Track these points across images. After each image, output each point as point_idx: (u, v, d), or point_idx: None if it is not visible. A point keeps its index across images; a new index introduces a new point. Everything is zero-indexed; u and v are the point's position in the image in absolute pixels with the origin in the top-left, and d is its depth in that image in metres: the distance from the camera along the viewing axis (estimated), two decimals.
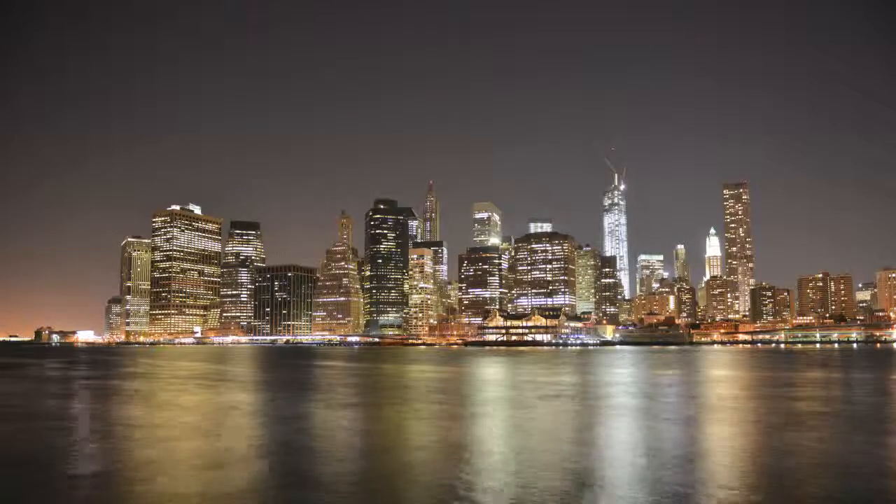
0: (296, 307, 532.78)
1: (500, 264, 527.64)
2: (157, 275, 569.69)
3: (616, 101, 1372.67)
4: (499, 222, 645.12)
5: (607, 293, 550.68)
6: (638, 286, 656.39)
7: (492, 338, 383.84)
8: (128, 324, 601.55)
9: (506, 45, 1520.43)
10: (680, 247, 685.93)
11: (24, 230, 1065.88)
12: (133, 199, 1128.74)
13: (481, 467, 23.15)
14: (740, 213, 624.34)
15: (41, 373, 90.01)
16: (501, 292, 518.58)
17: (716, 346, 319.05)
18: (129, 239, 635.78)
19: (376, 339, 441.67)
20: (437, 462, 24.71)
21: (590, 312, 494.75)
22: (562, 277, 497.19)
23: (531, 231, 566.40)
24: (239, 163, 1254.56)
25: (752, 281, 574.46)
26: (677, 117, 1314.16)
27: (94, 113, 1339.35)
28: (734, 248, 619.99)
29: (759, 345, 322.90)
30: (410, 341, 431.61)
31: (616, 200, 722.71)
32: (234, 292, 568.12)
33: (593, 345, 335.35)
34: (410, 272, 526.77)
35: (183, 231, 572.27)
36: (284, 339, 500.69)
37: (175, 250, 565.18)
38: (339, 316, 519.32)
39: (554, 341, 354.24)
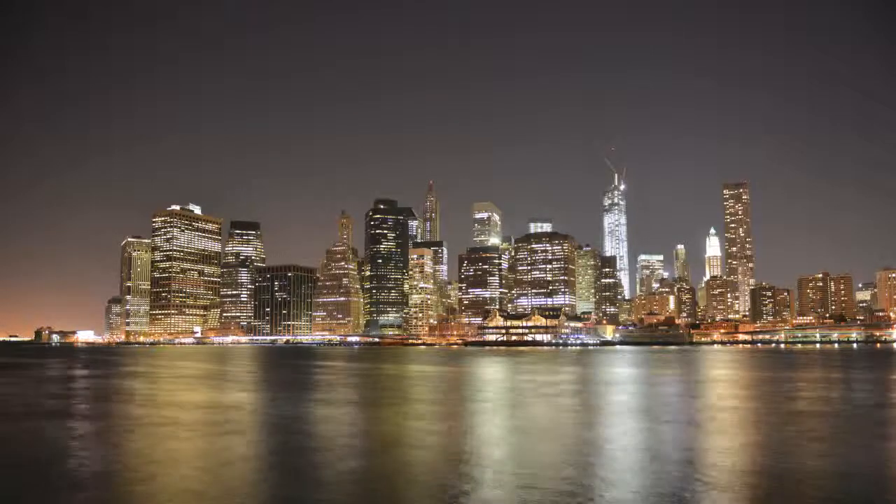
0: (296, 307, 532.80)
1: (500, 264, 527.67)
2: (157, 275, 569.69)
3: (616, 101, 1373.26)
4: (499, 222, 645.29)
5: (607, 293, 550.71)
6: (638, 286, 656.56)
7: (492, 338, 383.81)
8: (128, 324, 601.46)
9: (506, 45, 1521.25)
10: (680, 247, 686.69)
11: (24, 230, 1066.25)
12: (133, 199, 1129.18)
13: (481, 467, 23.15)
14: (740, 213, 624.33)
15: (44, 373, 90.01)
16: (501, 292, 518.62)
17: (716, 346, 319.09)
18: (129, 239, 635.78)
19: (376, 339, 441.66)
20: (436, 462, 24.72)
21: (590, 312, 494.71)
22: (562, 277, 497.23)
23: (531, 231, 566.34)
24: (239, 163, 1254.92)
25: (752, 281, 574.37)
26: (677, 117, 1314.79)
27: (94, 113, 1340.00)
28: (734, 248, 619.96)
29: (759, 345, 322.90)
30: (410, 341, 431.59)
31: (616, 200, 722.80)
32: (234, 292, 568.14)
33: (593, 345, 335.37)
34: (410, 272, 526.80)
35: (183, 231, 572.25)
36: (284, 339, 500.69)
37: (175, 250, 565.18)
38: (339, 316, 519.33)
39: (554, 341, 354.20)
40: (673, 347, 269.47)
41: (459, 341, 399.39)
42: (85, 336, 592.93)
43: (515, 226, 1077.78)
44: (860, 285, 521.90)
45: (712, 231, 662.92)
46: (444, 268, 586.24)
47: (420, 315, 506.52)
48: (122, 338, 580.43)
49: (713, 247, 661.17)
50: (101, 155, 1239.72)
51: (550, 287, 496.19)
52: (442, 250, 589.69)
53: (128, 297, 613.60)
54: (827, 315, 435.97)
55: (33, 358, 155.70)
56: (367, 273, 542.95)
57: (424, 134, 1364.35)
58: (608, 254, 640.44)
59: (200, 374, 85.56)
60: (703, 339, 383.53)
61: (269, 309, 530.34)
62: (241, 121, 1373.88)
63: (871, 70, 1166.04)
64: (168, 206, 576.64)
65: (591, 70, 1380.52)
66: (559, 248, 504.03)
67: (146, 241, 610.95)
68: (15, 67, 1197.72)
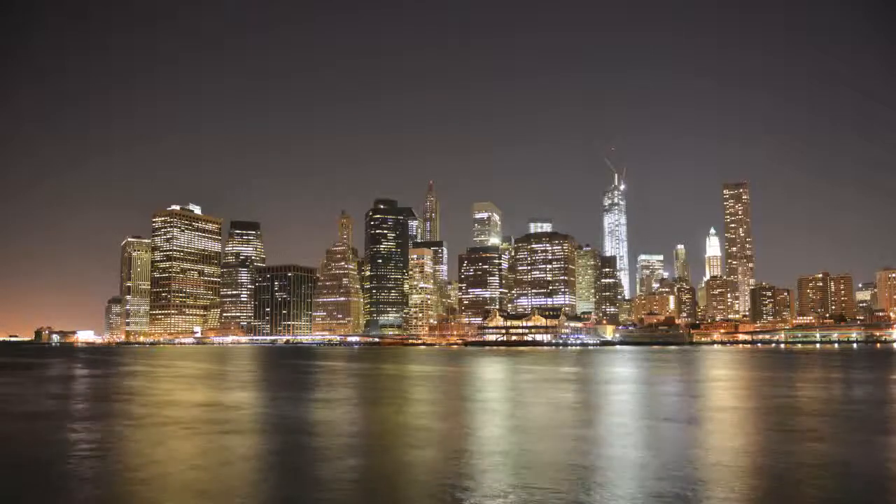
0: (296, 307, 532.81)
1: (500, 264, 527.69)
2: (157, 275, 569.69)
3: (616, 101, 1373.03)
4: (499, 222, 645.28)
5: (607, 293, 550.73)
6: (638, 286, 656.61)
7: (492, 338, 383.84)
8: (128, 324, 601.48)
9: (506, 45, 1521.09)
10: (680, 247, 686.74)
11: (24, 230, 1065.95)
12: (133, 199, 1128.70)
13: (481, 467, 23.16)
14: (740, 213, 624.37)
15: (44, 373, 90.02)
16: (501, 292, 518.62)
17: (716, 346, 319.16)
18: (129, 239, 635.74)
19: (376, 339, 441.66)
20: (436, 461, 24.73)
21: (590, 312, 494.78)
22: (562, 277, 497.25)
23: (531, 231, 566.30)
24: (239, 163, 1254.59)
25: (752, 281, 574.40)
26: (677, 117, 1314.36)
27: (94, 113, 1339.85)
28: (734, 248, 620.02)
29: (759, 345, 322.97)
30: (410, 341, 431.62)
31: (616, 200, 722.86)
32: (234, 292, 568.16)
33: (593, 345, 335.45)
34: (410, 272, 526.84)
35: (183, 231, 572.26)
36: (284, 339, 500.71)
37: (175, 250, 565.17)
38: (339, 316, 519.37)
39: (554, 341, 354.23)
40: (673, 347, 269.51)
41: (459, 341, 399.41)
42: (85, 336, 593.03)
43: (515, 226, 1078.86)
44: (860, 285, 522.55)
45: (712, 231, 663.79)
46: (444, 268, 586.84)
47: (420, 315, 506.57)
48: (122, 338, 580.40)
49: (713, 247, 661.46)
50: (101, 155, 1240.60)
51: (550, 287, 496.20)
52: (442, 250, 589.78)
53: (128, 297, 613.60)
54: (827, 315, 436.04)
55: (33, 358, 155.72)
56: (367, 273, 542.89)
57: (424, 134, 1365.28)
58: (608, 254, 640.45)
59: (200, 374, 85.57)
60: (703, 339, 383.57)
61: (269, 309, 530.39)
62: (241, 121, 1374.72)
63: (871, 70, 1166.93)
64: (168, 206, 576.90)
65: (591, 70, 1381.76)
66: (559, 248, 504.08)
67: (146, 241, 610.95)
68: (15, 67, 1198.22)
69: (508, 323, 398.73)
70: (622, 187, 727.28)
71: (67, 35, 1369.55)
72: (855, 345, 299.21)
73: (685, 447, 27.47)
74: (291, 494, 19.60)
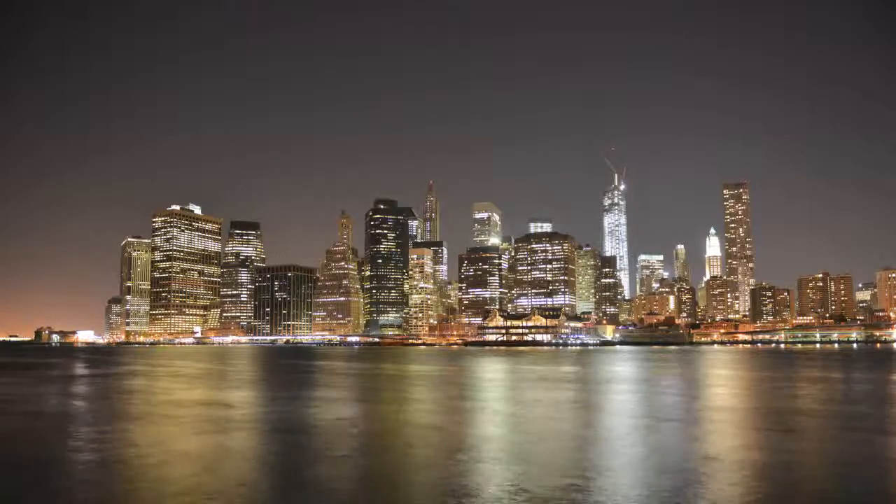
0: (296, 307, 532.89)
1: (500, 264, 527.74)
2: (157, 275, 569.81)
3: (616, 101, 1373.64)
4: (499, 222, 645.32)
5: (607, 293, 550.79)
6: (638, 286, 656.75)
7: (492, 338, 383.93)
8: (128, 324, 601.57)
9: (506, 45, 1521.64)
10: (680, 247, 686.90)
11: (24, 230, 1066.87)
12: (133, 199, 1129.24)
13: (480, 467, 23.16)
14: (740, 213, 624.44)
15: (45, 372, 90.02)
16: (501, 292, 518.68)
17: (716, 346, 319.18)
18: (129, 239, 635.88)
19: (376, 339, 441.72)
20: (436, 461, 24.74)
21: (590, 312, 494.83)
22: (562, 277, 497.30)
23: (531, 231, 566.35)
24: (239, 163, 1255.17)
25: (752, 281, 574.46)
26: (677, 117, 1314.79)
27: (94, 113, 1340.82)
28: (734, 248, 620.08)
29: (759, 345, 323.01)
30: (410, 341, 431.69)
31: (616, 200, 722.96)
32: (234, 292, 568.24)
33: (593, 345, 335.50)
34: (410, 272, 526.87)
35: (183, 231, 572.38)
36: (284, 339, 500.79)
37: (175, 250, 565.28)
38: (339, 316, 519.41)
39: (554, 341, 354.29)
40: (673, 347, 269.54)
41: (459, 341, 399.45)
42: (85, 336, 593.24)
43: (515, 226, 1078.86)
44: (860, 285, 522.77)
45: (712, 231, 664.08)
46: (444, 268, 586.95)
47: (420, 315, 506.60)
48: (122, 338, 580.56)
49: (713, 247, 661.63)
50: (101, 155, 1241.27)
51: (550, 287, 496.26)
52: (442, 250, 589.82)
53: (128, 297, 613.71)
54: (827, 315, 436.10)
55: (34, 358, 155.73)
56: (367, 273, 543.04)
57: (424, 134, 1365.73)
58: (608, 254, 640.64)
59: (200, 374, 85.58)
60: (703, 339, 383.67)
61: (269, 309, 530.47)
62: (241, 121, 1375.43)
63: (871, 70, 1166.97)
64: (168, 206, 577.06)
65: (591, 70, 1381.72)
66: (559, 248, 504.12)
67: (146, 241, 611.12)
68: (15, 67, 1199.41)
69: (508, 323, 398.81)
70: (622, 187, 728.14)
71: (67, 35, 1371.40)
72: (855, 345, 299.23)
73: (685, 446, 27.47)
74: (291, 494, 19.60)
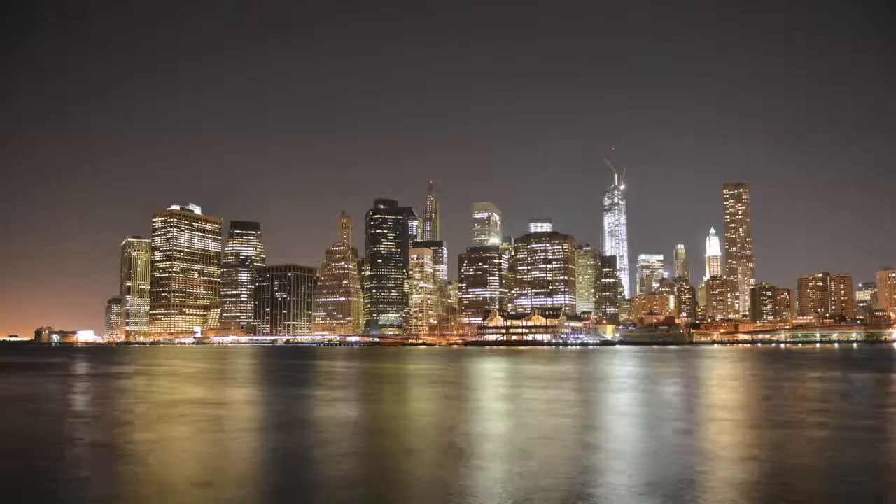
0: (296, 307, 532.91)
1: (500, 264, 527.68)
2: (157, 275, 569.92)
3: (616, 101, 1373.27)
4: (499, 222, 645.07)
5: (607, 293, 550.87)
6: (638, 286, 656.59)
7: (492, 338, 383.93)
8: (128, 324, 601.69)
9: (506, 45, 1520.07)
10: (680, 247, 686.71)
11: (24, 230, 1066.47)
12: (133, 199, 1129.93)
13: (481, 467, 23.19)
14: (740, 213, 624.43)
15: (47, 372, 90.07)
16: (501, 292, 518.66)
17: (716, 346, 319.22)
18: (129, 239, 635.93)
19: (376, 339, 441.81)
20: (435, 461, 24.77)
21: (590, 312, 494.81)
22: (562, 277, 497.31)
23: (531, 231, 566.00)
24: (239, 163, 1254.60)
25: (752, 281, 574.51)
26: (677, 117, 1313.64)
27: (94, 113, 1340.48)
28: (734, 248, 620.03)
29: (759, 345, 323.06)
30: (410, 341, 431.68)
31: (616, 200, 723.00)
32: (234, 292, 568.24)
33: (593, 344, 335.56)
34: (410, 272, 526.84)
35: (183, 231, 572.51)
36: (284, 339, 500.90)
37: (175, 250, 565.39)
38: (339, 316, 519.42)
39: (554, 341, 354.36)
40: (673, 347, 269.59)
41: (459, 341, 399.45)
42: (85, 336, 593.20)
43: (515, 226, 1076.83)
44: (860, 285, 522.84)
45: (712, 231, 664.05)
46: (444, 268, 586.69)
47: (420, 315, 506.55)
48: (122, 338, 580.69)
49: (713, 247, 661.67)
50: (101, 155, 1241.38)
51: (550, 287, 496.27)
52: (442, 250, 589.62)
53: (128, 297, 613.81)
54: (827, 315, 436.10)
55: (34, 358, 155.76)
56: (367, 273, 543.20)
57: (424, 134, 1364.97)
58: (608, 254, 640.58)
59: (201, 374, 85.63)
60: (703, 339, 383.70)
61: (269, 309, 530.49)
62: (241, 121, 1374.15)
63: (871, 70, 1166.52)
64: (168, 206, 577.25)
65: (591, 70, 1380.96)
66: (559, 248, 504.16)
67: (146, 241, 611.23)
68: (15, 67, 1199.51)
69: (508, 323, 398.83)
70: (622, 187, 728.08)
71: (67, 35, 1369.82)
72: (855, 345, 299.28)
73: (685, 444, 27.49)
74: (291, 494, 19.63)
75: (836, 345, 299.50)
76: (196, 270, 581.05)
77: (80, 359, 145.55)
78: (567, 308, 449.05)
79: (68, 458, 24.75)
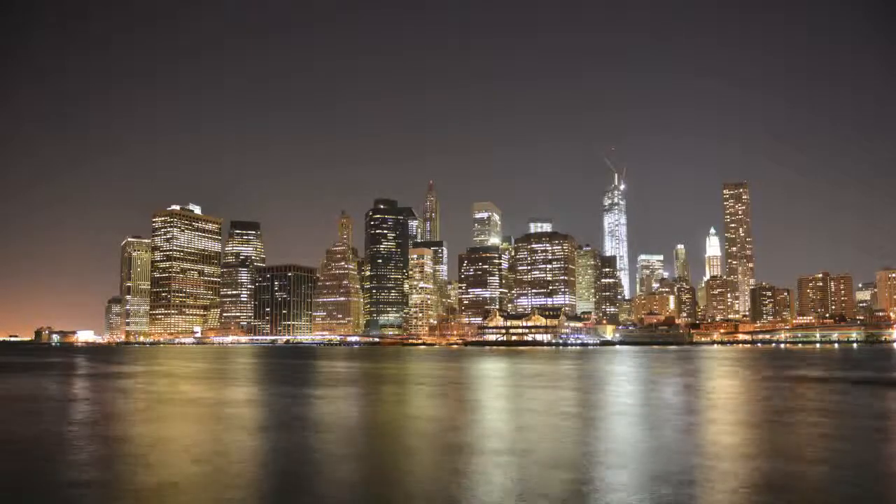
0: (296, 307, 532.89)
1: (500, 264, 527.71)
2: (157, 275, 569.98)
3: (616, 101, 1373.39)
4: (499, 222, 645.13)
5: (607, 293, 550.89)
6: (638, 286, 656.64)
7: (492, 338, 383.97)
8: (128, 324, 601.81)
9: (506, 45, 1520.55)
10: (680, 247, 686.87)
11: (24, 230, 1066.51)
12: (133, 199, 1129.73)
13: (480, 466, 23.20)
14: (740, 213, 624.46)
15: (48, 372, 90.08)
16: (501, 292, 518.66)
17: (716, 346, 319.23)
18: (129, 239, 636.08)
19: (376, 339, 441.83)
20: (435, 460, 24.78)
21: (590, 312, 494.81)
22: (562, 277, 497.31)
23: (531, 231, 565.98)
24: (239, 163, 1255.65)
25: (752, 281, 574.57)
26: (677, 117, 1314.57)
27: (94, 113, 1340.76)
28: (734, 248, 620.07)
29: (759, 345, 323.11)
30: (410, 341, 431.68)
31: (616, 200, 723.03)
32: (234, 292, 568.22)
33: (593, 345, 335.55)
34: (410, 272, 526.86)
35: (183, 231, 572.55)
36: (284, 339, 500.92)
37: (175, 250, 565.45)
38: (339, 316, 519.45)
39: (554, 341, 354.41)
40: (673, 347, 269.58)
41: (459, 341, 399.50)
42: (85, 336, 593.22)
43: (515, 226, 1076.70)
44: (860, 285, 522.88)
45: (712, 231, 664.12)
46: (444, 268, 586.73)
47: (420, 315, 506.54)
48: (122, 338, 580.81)
49: (713, 247, 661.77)
50: (101, 155, 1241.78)
51: (550, 287, 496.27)
52: (442, 250, 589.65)
53: (128, 297, 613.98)
54: (827, 315, 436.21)
55: (35, 358, 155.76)
56: (367, 273, 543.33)
57: (424, 134, 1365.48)
58: (608, 254, 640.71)
59: (202, 373, 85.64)
60: (703, 339, 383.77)
61: (269, 309, 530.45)
62: (241, 121, 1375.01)
63: (871, 70, 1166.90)
64: (168, 206, 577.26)
65: (591, 70, 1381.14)
66: (559, 248, 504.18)
67: (146, 241, 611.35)
68: (15, 67, 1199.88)
69: (508, 323, 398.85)
70: (622, 187, 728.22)
71: (67, 35, 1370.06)
72: (855, 345, 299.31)
73: (685, 444, 27.50)
74: (291, 493, 19.64)
75: (836, 345, 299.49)
76: (196, 270, 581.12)
77: (80, 359, 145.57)
78: (567, 308, 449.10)
79: (68, 459, 24.74)
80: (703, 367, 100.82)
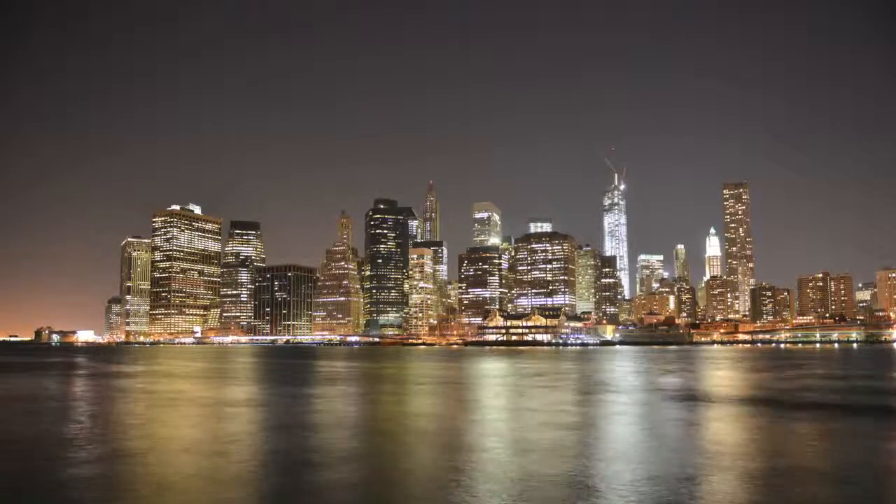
0: (296, 307, 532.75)
1: (500, 264, 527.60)
2: (157, 275, 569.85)
3: (616, 101, 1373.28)
4: (499, 222, 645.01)
5: (607, 293, 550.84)
6: (638, 286, 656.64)
7: (492, 338, 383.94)
8: (128, 324, 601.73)
9: (506, 45, 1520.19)
10: (680, 247, 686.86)
11: (24, 230, 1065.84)
12: (133, 199, 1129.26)
13: (481, 467, 23.21)
14: (740, 213, 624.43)
15: (50, 372, 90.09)
16: (501, 292, 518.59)
17: (716, 346, 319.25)
18: (129, 239, 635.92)
19: (376, 339, 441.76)
20: (434, 460, 24.79)
21: (590, 312, 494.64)
22: (562, 277, 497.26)
23: (531, 231, 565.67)
24: (239, 163, 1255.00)
25: (752, 281, 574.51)
26: (677, 117, 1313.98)
27: (94, 113, 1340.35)
28: (734, 248, 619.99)
29: (759, 345, 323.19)
30: (410, 341, 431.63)
31: (616, 200, 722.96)
32: (234, 292, 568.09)
33: (593, 345, 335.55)
34: (410, 272, 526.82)
35: (183, 231, 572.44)
36: (284, 339, 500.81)
37: (175, 250, 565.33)
38: (339, 316, 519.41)
39: (554, 341, 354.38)
40: (673, 347, 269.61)
41: (459, 341, 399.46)
42: (85, 336, 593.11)
43: (515, 226, 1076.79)
44: (860, 285, 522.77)
45: (712, 231, 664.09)
46: (444, 268, 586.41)
47: (420, 315, 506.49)
48: (122, 338, 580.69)
49: (713, 247, 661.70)
50: (101, 155, 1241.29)
51: (550, 287, 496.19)
52: (442, 250, 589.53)
53: (128, 296, 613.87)
54: (827, 315, 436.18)
55: (35, 357, 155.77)
56: (367, 273, 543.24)
57: (424, 134, 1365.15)
58: (608, 254, 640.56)
59: (201, 373, 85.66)
60: (703, 339, 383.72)
61: (269, 309, 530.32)
62: (241, 121, 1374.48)
63: (871, 70, 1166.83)
64: (168, 206, 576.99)
65: (591, 70, 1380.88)
66: (559, 248, 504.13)
67: (146, 241, 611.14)
68: (15, 67, 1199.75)
69: (508, 323, 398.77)
70: (622, 187, 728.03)
71: (67, 35, 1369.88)
72: (855, 345, 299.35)
73: (683, 442, 27.52)
74: (289, 494, 19.66)
75: (836, 345, 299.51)
76: (196, 270, 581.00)
77: (80, 359, 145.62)
78: (567, 308, 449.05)
79: (68, 458, 24.76)
80: (702, 366, 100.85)
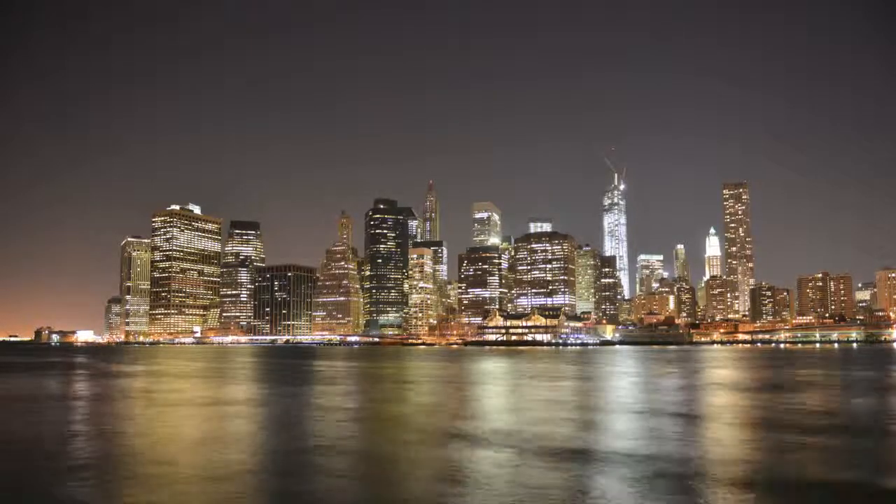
0: (296, 307, 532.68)
1: (499, 264, 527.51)
2: (156, 275, 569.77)
3: (616, 101, 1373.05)
4: (499, 222, 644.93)
5: (607, 293, 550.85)
6: (638, 286, 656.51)
7: (492, 337, 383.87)
8: (128, 324, 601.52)
9: (506, 45, 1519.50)
10: (680, 247, 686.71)
11: (24, 230, 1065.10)
12: (133, 199, 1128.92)
13: (481, 467, 23.24)
14: (740, 213, 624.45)
15: (50, 372, 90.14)
16: (501, 292, 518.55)
17: (715, 345, 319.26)
18: (129, 239, 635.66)
19: (376, 339, 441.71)
20: (435, 460, 24.81)
21: (589, 312, 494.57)
22: (562, 277, 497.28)
23: (531, 231, 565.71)
24: (239, 163, 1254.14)
25: (751, 281, 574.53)
26: (677, 117, 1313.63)
27: (94, 113, 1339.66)
28: (734, 248, 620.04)
29: (758, 344, 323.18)
30: (410, 341, 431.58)
31: (616, 200, 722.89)
32: (234, 292, 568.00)
33: (593, 344, 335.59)
34: (410, 272, 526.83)
35: (183, 231, 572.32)
36: (284, 338, 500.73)
37: (175, 250, 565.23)
38: (339, 316, 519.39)
39: (554, 341, 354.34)
40: (673, 347, 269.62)
41: (459, 341, 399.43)
42: (85, 336, 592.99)
43: (515, 226, 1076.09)
44: (860, 285, 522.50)
45: (712, 231, 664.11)
46: (444, 268, 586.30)
47: (420, 315, 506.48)
48: (122, 338, 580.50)
49: (713, 247, 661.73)
50: (101, 155, 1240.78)
51: (550, 287, 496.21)
52: (442, 250, 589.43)
53: (128, 296, 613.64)
54: (827, 315, 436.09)
55: (35, 357, 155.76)
56: (367, 273, 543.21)
57: (424, 134, 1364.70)
58: (608, 254, 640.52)
59: (201, 373, 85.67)
60: (702, 339, 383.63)
61: (268, 309, 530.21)
62: (241, 121, 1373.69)
63: (871, 70, 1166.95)
64: (168, 206, 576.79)
65: (591, 70, 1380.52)
66: (559, 247, 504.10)
67: (146, 241, 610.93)
68: (15, 67, 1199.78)
69: (508, 323, 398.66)
70: (622, 187, 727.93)
71: (67, 35, 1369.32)
72: (855, 345, 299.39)
73: (682, 441, 27.55)
74: (289, 494, 19.69)
75: (835, 345, 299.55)
76: (196, 270, 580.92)
77: (79, 358, 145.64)
78: (567, 308, 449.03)
79: (69, 458, 24.79)
80: (702, 366, 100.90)
